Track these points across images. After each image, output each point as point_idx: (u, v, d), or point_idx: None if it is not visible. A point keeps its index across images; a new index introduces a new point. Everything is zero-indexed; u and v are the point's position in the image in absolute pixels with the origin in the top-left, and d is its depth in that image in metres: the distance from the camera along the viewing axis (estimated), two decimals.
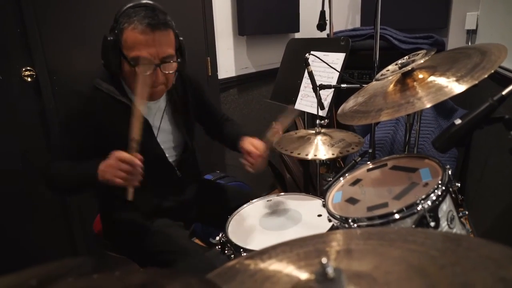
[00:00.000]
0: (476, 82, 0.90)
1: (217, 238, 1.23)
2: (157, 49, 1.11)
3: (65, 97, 1.61)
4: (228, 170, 2.53)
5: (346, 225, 0.90)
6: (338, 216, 0.93)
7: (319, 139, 1.42)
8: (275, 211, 1.32)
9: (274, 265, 0.57)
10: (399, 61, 1.15)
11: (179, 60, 1.20)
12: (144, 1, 1.13)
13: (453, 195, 0.92)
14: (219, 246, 1.24)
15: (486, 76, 0.91)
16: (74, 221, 1.78)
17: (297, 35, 2.82)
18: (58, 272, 0.45)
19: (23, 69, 1.50)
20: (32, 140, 1.58)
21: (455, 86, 0.94)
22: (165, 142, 1.33)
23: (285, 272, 0.55)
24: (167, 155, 1.34)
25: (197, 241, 2.21)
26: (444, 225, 0.87)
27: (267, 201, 1.40)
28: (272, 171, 2.58)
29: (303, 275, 0.52)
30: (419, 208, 0.82)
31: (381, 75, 1.20)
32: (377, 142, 2.19)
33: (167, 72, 1.16)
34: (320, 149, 1.38)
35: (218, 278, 0.57)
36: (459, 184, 0.92)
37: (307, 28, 2.75)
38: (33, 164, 1.20)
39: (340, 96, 1.65)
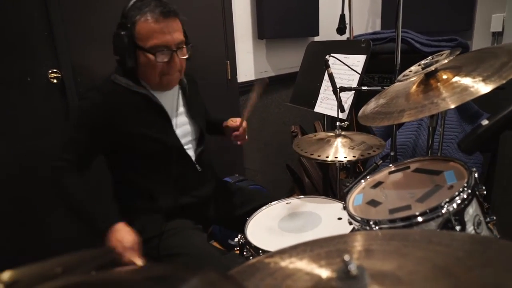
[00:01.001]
0: (504, 81, 0.87)
1: (236, 239, 1.23)
2: (172, 35, 1.17)
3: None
4: (246, 174, 2.53)
5: (367, 228, 0.88)
6: (359, 219, 0.91)
7: (339, 142, 1.40)
8: (294, 213, 1.30)
9: (295, 264, 0.57)
10: (422, 62, 1.13)
11: (190, 45, 1.24)
12: None
13: (480, 199, 0.89)
14: (238, 248, 1.23)
15: None
16: None
17: (316, 39, 2.80)
18: (82, 261, 0.45)
19: (50, 71, 1.55)
20: (56, 140, 1.63)
21: (481, 86, 0.91)
22: (183, 135, 1.34)
23: (305, 271, 0.54)
24: (185, 148, 1.34)
25: (215, 244, 2.21)
26: (470, 229, 0.84)
27: (286, 203, 1.39)
28: (291, 175, 2.57)
29: (324, 274, 0.51)
30: (443, 211, 0.79)
31: (403, 76, 1.18)
32: (399, 147, 2.15)
33: (182, 58, 1.22)
34: (340, 151, 1.36)
35: (238, 275, 0.57)
36: (484, 189, 0.88)
37: (327, 32, 2.73)
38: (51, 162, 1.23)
39: (360, 99, 1.63)
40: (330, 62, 1.49)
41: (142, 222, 1.31)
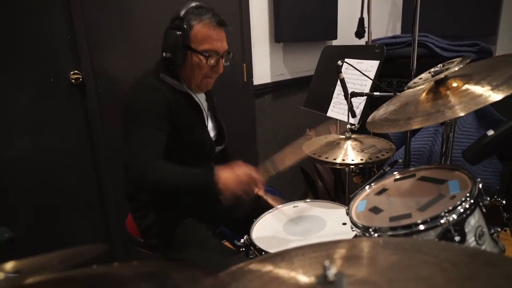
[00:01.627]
0: (510, 93, 0.86)
1: (242, 241, 1.25)
2: (222, 43, 1.29)
3: (109, 97, 1.73)
4: None
5: (367, 234, 0.89)
6: (360, 225, 0.92)
7: (348, 144, 1.40)
8: (300, 217, 1.31)
9: (283, 268, 0.58)
10: (432, 69, 1.12)
11: (232, 54, 1.36)
12: (200, 3, 1.29)
13: (483, 210, 0.88)
14: (244, 249, 1.26)
15: None
16: (111, 217, 1.88)
17: (334, 42, 2.79)
18: (77, 255, 0.49)
19: (71, 73, 1.63)
20: (76, 139, 1.71)
21: (489, 96, 0.90)
22: (211, 133, 1.44)
23: (291, 275, 0.55)
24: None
25: (226, 243, 2.24)
26: (471, 240, 0.83)
27: (294, 206, 1.40)
28: (305, 178, 2.57)
29: (308, 279, 0.53)
30: (442, 221, 0.79)
31: (414, 83, 1.17)
32: (414, 153, 2.11)
33: (225, 64, 1.34)
34: (349, 154, 1.36)
35: (229, 276, 0.59)
36: (495, 199, 0.87)
37: (346, 35, 2.72)
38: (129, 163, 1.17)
39: (376, 104, 1.62)
40: (344, 67, 1.49)
41: (157, 219, 1.37)
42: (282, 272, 0.57)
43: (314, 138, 1.54)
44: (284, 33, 2.38)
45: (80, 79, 1.65)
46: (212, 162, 1.46)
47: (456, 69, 1.06)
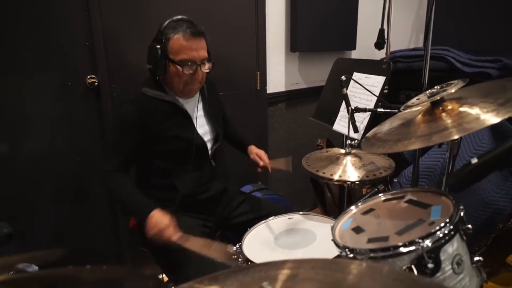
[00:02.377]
0: (499, 119, 0.84)
1: (234, 248, 1.28)
2: (198, 52, 1.37)
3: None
4: (270, 182, 2.57)
5: (344, 254, 0.89)
6: (341, 245, 0.93)
7: (348, 160, 1.40)
8: (292, 229, 1.33)
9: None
10: (428, 90, 1.10)
11: (212, 61, 1.43)
12: (181, 16, 1.38)
13: (464, 238, 0.86)
14: (236, 256, 1.29)
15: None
16: (120, 216, 1.96)
17: (354, 53, 2.77)
18: (40, 258, 0.54)
19: (88, 77, 1.72)
20: (90, 139, 1.80)
21: (477, 122, 0.89)
22: (203, 134, 1.51)
23: None
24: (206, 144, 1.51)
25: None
26: (447, 269, 0.82)
27: (289, 218, 1.41)
28: (314, 188, 2.57)
29: None
30: (413, 247, 0.78)
31: (412, 103, 1.16)
32: (425, 170, 2.06)
33: (204, 71, 1.41)
34: (347, 170, 1.35)
35: None
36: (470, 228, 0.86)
37: (366, 46, 2.69)
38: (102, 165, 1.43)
39: (382, 120, 1.60)
40: (352, 80, 1.49)
41: None
42: None
43: (316, 152, 1.55)
44: (300, 43, 2.40)
45: (96, 83, 1.74)
46: (214, 160, 1.53)
47: (453, 91, 1.04)
